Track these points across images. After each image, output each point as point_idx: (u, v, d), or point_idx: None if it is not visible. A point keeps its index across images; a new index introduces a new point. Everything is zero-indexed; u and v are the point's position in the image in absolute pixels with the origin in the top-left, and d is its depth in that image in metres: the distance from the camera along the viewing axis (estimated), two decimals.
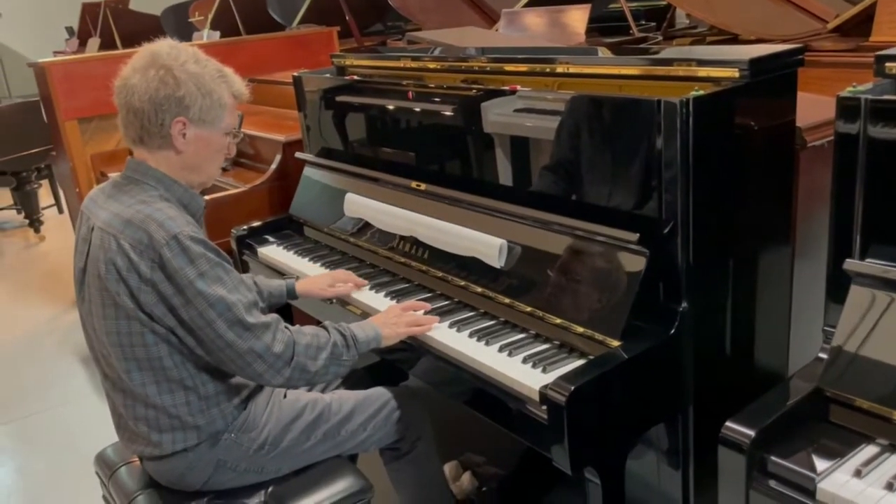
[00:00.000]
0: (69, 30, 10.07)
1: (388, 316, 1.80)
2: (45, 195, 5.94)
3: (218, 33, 5.67)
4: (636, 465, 1.80)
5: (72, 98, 3.78)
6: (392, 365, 2.30)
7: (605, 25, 5.04)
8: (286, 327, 1.58)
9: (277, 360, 1.53)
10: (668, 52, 1.95)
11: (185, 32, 7.17)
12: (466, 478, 2.31)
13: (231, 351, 1.50)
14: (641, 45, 3.86)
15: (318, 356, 1.58)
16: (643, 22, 5.28)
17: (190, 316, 1.48)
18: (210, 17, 6.58)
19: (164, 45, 1.59)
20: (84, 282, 1.59)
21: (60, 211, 6.22)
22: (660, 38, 4.48)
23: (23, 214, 5.88)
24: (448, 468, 2.31)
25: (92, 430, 3.03)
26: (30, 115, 5.46)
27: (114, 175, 3.73)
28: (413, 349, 1.82)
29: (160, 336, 1.51)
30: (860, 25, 3.40)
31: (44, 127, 5.21)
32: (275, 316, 1.58)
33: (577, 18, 3.98)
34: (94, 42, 7.72)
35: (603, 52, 1.94)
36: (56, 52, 9.16)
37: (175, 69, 1.54)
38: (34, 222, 5.73)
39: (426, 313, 1.85)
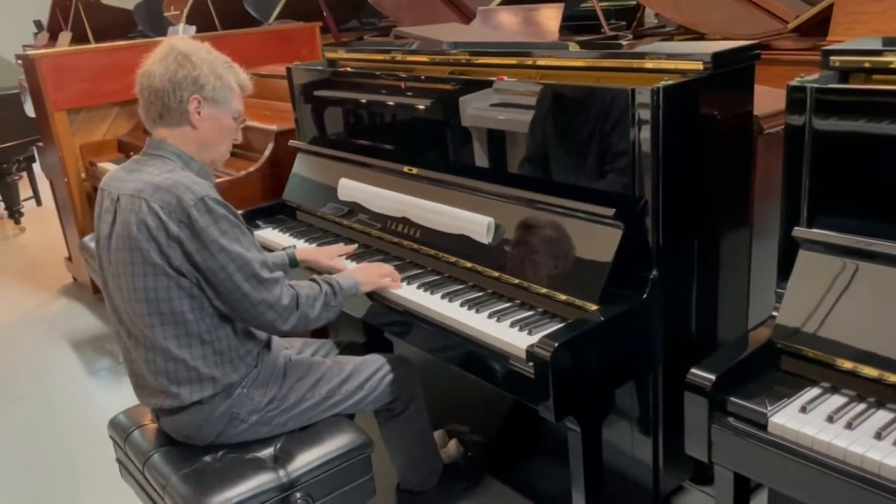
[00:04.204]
0: (37, 24, 10.00)
1: (364, 268, 2.11)
2: (23, 187, 5.96)
3: (194, 28, 5.73)
4: (611, 434, 1.98)
5: (61, 89, 3.87)
6: (384, 338, 2.47)
7: (577, 24, 5.22)
8: (289, 284, 1.79)
9: (285, 310, 1.75)
10: (640, 47, 2.14)
11: (158, 27, 7.21)
12: (452, 445, 2.47)
13: (247, 301, 1.70)
14: (614, 43, 4.05)
15: (315, 305, 1.81)
16: (613, 21, 5.47)
17: (212, 269, 1.66)
18: (185, 11, 6.62)
19: (181, 39, 1.82)
20: (109, 247, 1.74)
21: (39, 203, 6.25)
22: (630, 36, 4.67)
23: (2, 206, 5.91)
24: (435, 437, 2.47)
25: (87, 407, 3.16)
26: (9, 107, 5.50)
27: (104, 163, 3.83)
28: (409, 318, 1.98)
29: (184, 290, 1.68)
30: (818, 26, 3.62)
31: (23, 119, 5.27)
32: (280, 273, 1.79)
33: (551, 17, 4.14)
34: (65, 36, 7.67)
35: (573, 48, 2.12)
36: (25, 47, 9.11)
37: (191, 55, 1.76)
38: (14, 214, 5.77)
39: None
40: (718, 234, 1.91)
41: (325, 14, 5.99)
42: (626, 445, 2.01)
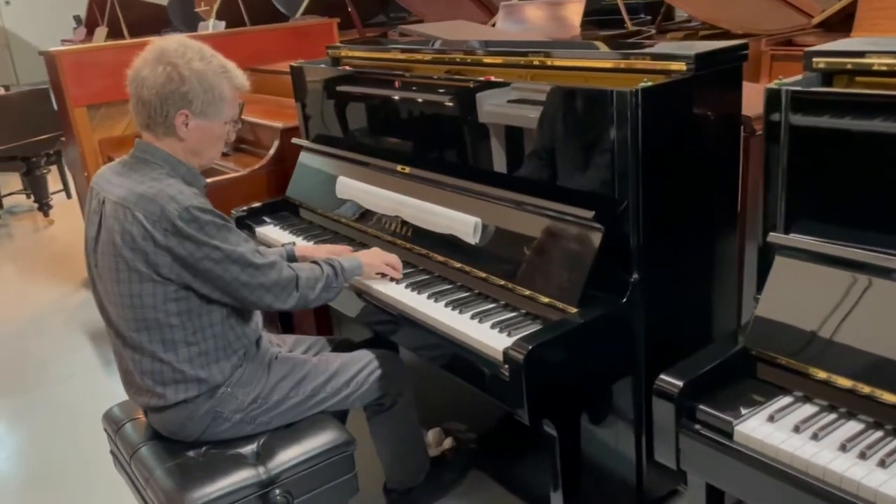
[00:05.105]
0: (77, 18, 10.21)
1: (370, 253, 2.14)
2: (53, 180, 6.10)
3: (223, 23, 5.81)
4: (595, 437, 1.96)
5: (81, 85, 3.94)
6: (378, 337, 2.48)
7: (600, 18, 5.17)
8: (288, 265, 1.83)
9: (283, 291, 1.78)
10: (658, 45, 2.11)
11: (191, 22, 7.31)
12: (448, 443, 2.48)
13: (246, 290, 1.73)
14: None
15: (315, 286, 1.85)
16: (641, 15, 5.41)
17: (207, 268, 1.68)
18: (215, 7, 6.70)
19: (173, 42, 1.75)
20: (96, 249, 1.76)
21: (69, 196, 6.38)
22: (653, 31, 4.61)
23: (32, 199, 6.05)
24: (431, 434, 2.48)
25: (98, 398, 3.21)
26: (39, 102, 5.62)
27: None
28: (396, 317, 1.99)
29: (170, 296, 1.70)
30: (843, 21, 3.53)
31: (52, 114, 5.38)
32: (276, 257, 1.82)
33: (574, 11, 4.12)
34: (101, 31, 7.83)
35: (602, 47, 2.10)
36: (64, 41, 9.31)
37: (181, 66, 1.70)
38: (43, 206, 5.90)
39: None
40: (704, 236, 1.88)
41: (349, 9, 6.01)
42: (611, 448, 1.99)
